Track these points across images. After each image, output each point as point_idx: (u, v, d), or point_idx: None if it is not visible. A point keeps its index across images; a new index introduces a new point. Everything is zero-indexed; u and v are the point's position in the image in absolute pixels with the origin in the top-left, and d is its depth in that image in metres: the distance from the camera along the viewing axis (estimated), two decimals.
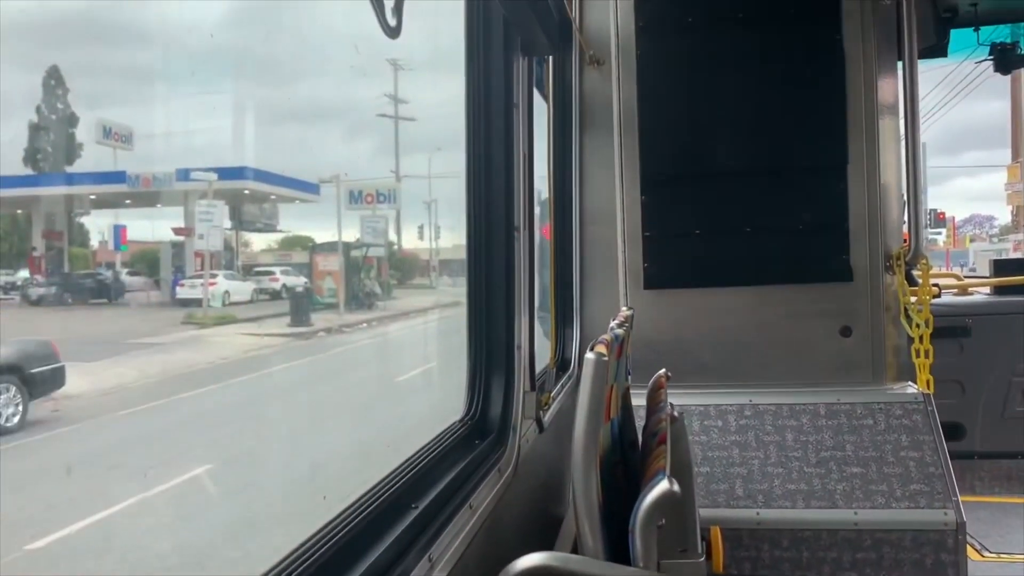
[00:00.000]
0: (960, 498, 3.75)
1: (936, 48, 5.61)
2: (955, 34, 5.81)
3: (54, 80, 12.96)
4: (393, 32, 1.39)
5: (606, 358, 2.10)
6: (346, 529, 1.88)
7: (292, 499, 7.96)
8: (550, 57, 3.82)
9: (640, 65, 4.36)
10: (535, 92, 3.24)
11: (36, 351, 8.65)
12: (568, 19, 4.22)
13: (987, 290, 6.27)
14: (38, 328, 10.96)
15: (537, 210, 3.81)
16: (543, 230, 4.52)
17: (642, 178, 4.37)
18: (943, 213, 38.60)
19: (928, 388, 4.08)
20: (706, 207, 4.35)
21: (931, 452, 3.83)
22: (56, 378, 8.76)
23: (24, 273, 13.01)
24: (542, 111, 3.90)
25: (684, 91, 4.35)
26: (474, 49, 2.77)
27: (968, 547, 4.03)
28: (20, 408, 8.05)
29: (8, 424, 7.88)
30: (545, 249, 4.38)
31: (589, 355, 2.08)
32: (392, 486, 2.13)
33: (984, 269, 6.91)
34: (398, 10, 1.43)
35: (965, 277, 7.08)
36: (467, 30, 2.78)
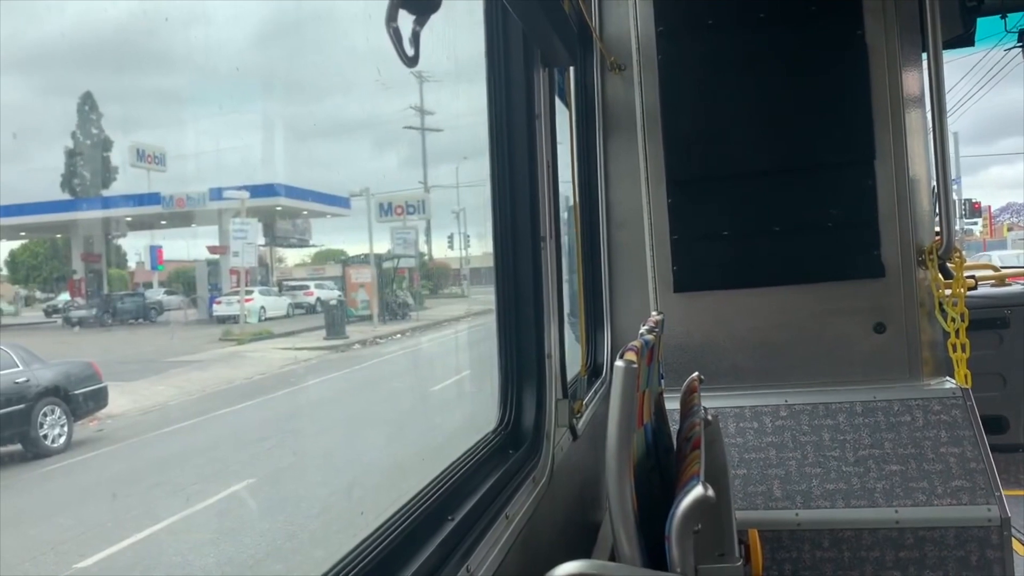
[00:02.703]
0: (1005, 492, 3.70)
1: (963, 38, 5.53)
2: (982, 22, 5.73)
3: (88, 106, 13.20)
4: (411, 61, 1.43)
5: (635, 365, 2.11)
6: (385, 542, 1.91)
7: (332, 512, 8.03)
8: (571, 66, 3.84)
9: (661, 69, 4.36)
10: (557, 100, 3.26)
11: (79, 372, 8.82)
12: (588, 28, 4.24)
13: None
14: (80, 349, 11.17)
15: (564, 215, 3.83)
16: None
17: (667, 181, 4.37)
18: (978, 203, 37.96)
19: (966, 382, 4.02)
20: (733, 208, 4.34)
21: (972, 447, 3.78)
22: (99, 398, 8.93)
23: (65, 296, 13.27)
24: (565, 117, 3.93)
25: (706, 93, 4.35)
26: (495, 63, 2.80)
27: (1015, 542, 3.97)
28: (65, 429, 8.21)
29: (54, 445, 8.04)
30: (573, 254, 4.40)
31: (619, 363, 2.09)
32: (429, 498, 2.16)
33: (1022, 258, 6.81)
34: (415, 40, 1.48)
35: (1002, 267, 6.97)
36: (487, 44, 2.81)
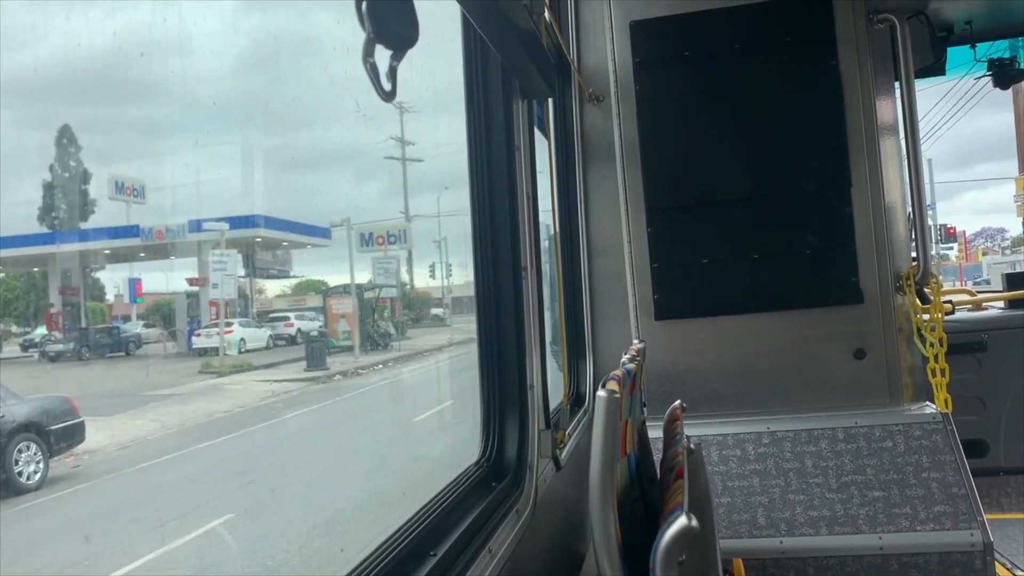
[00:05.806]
0: (987, 516, 3.70)
1: (934, 67, 5.63)
2: (952, 52, 5.83)
3: (66, 139, 13.13)
4: (388, 96, 1.43)
5: (618, 395, 2.10)
6: None
7: (312, 547, 7.93)
8: (550, 97, 3.87)
9: (639, 100, 4.40)
10: (536, 130, 3.27)
11: (55, 407, 8.70)
12: (566, 60, 4.28)
13: (1002, 304, 6.22)
14: (57, 384, 11.03)
15: (545, 244, 3.84)
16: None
17: (647, 210, 4.39)
18: (953, 228, 38.47)
19: (946, 407, 4.04)
20: (712, 236, 4.36)
21: (953, 472, 3.79)
22: (76, 433, 8.81)
23: (42, 330, 13.11)
24: (545, 148, 3.95)
25: (684, 122, 4.39)
26: (474, 95, 2.82)
27: (998, 566, 3.97)
28: (41, 466, 8.08)
29: (29, 482, 7.91)
30: (554, 284, 4.41)
31: (601, 393, 2.09)
32: (409, 534, 2.12)
33: (999, 282, 6.87)
34: (392, 75, 1.48)
35: (979, 292, 7.03)
36: (466, 76, 2.83)
